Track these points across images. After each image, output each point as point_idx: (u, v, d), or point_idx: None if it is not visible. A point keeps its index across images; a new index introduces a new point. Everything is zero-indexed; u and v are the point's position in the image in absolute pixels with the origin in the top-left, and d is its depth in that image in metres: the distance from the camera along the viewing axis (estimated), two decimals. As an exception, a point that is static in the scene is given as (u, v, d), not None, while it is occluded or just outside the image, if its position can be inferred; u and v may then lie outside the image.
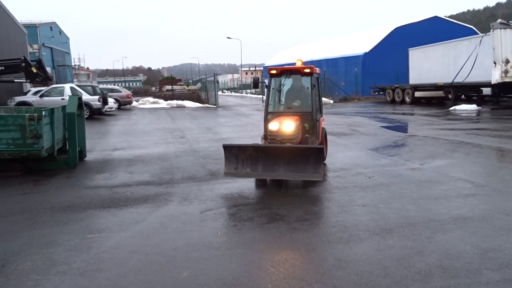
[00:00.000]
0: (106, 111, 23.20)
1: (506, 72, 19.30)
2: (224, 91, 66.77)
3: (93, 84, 31.88)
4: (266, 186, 7.07)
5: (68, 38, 61.74)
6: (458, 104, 21.89)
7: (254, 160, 6.76)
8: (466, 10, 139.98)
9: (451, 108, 21.38)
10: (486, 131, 13.03)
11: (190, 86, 45.38)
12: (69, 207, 6.13)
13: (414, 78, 28.67)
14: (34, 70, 17.04)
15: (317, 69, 8.26)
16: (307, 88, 7.92)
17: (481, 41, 21.49)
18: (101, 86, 30.06)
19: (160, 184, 7.40)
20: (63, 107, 9.47)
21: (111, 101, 24.18)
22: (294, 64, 8.22)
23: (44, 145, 8.20)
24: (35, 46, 44.13)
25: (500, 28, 19.37)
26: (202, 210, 5.86)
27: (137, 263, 4.18)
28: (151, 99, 33.80)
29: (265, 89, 8.17)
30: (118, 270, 4.03)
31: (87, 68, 75.42)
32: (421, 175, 7.60)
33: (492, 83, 19.90)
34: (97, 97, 21.20)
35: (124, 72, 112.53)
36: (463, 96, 25.48)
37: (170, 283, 3.75)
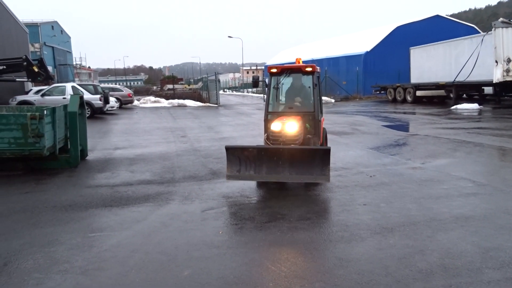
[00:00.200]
0: (107, 110, 23.22)
1: (507, 71, 19.26)
2: (225, 90, 66.80)
3: (94, 83, 31.93)
4: (267, 185, 7.07)
5: (69, 37, 61.82)
6: (460, 103, 21.86)
7: (257, 162, 6.51)
8: (467, 9, 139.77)
9: (452, 107, 21.35)
10: (487, 130, 13.02)
11: (191, 85, 45.38)
12: (70, 206, 6.15)
13: (416, 77, 28.63)
14: (36, 69, 17.03)
15: (318, 68, 8.20)
16: (309, 87, 7.69)
17: (482, 40, 21.45)
18: (102, 85, 30.11)
19: (162, 183, 7.41)
20: (65, 106, 9.48)
21: (112, 100, 24.21)
22: (294, 63, 8.07)
23: (46, 144, 8.21)
24: (37, 45, 44.21)
25: (502, 27, 19.33)
26: (203, 209, 5.87)
27: (138, 262, 4.18)
28: (152, 98, 33.83)
29: (265, 88, 7.98)
30: (119, 269, 4.04)
31: (89, 67, 75.52)
32: (423, 174, 7.59)
33: (494, 82, 19.86)
34: (98, 96, 21.23)
35: (125, 71, 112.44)
36: (464, 95, 25.43)
37: (172, 282, 3.76)
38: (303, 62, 8.12)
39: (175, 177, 7.85)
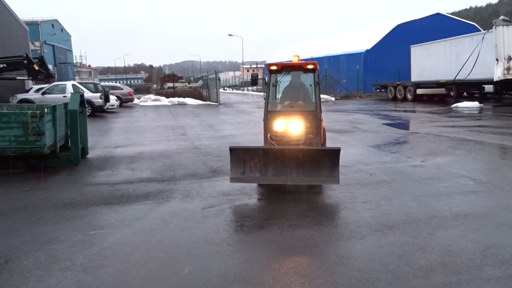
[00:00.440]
0: (107, 108, 23.23)
1: (508, 69, 19.26)
2: (225, 88, 66.79)
3: (94, 81, 31.93)
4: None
5: (69, 36, 61.82)
6: (460, 102, 21.86)
7: (263, 164, 6.20)
8: (468, 7, 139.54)
9: (453, 106, 21.34)
10: (488, 128, 13.02)
11: (191, 83, 45.40)
12: (71, 204, 6.16)
13: (416, 75, 28.63)
14: (36, 68, 17.04)
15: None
16: (310, 85, 7.39)
17: (483, 38, 21.45)
18: (102, 83, 30.12)
19: (162, 181, 7.42)
20: (65, 105, 9.49)
21: (112, 98, 24.22)
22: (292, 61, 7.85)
23: (47, 142, 8.22)
24: (37, 43, 44.20)
25: (503, 25, 19.32)
26: (203, 206, 5.88)
27: (139, 259, 4.20)
28: (152, 96, 33.85)
29: (265, 86, 7.61)
30: (120, 266, 4.05)
31: (89, 65, 75.53)
32: (423, 172, 7.60)
33: (495, 80, 19.86)
34: (99, 94, 21.24)
35: (125, 70, 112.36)
36: (465, 93, 25.42)
37: (172, 279, 3.77)
38: (302, 60, 8.03)
39: (176, 175, 7.85)
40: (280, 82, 7.51)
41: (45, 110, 8.22)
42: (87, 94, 19.12)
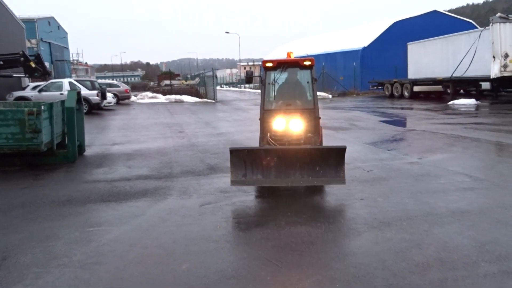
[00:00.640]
0: (104, 106, 23.17)
1: (505, 66, 19.29)
2: (222, 86, 66.71)
3: (91, 79, 31.82)
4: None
5: (66, 33, 61.51)
6: (457, 99, 21.91)
7: (265, 165, 5.94)
8: (465, 4, 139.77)
9: (449, 103, 21.40)
10: (484, 126, 13.06)
11: (188, 81, 45.32)
12: (68, 201, 6.15)
13: (413, 72, 28.66)
14: (33, 65, 17.01)
15: None
16: (307, 82, 7.14)
17: (480, 35, 21.47)
18: (99, 81, 30.00)
19: (159, 178, 7.42)
20: (62, 102, 9.47)
21: (109, 96, 24.15)
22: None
23: (44, 139, 8.20)
24: (33, 41, 43.95)
25: (500, 22, 19.33)
26: (201, 203, 5.89)
27: (137, 256, 4.20)
28: (149, 94, 33.77)
29: (261, 84, 7.22)
30: (118, 263, 4.06)
31: (86, 63, 75.23)
32: (420, 169, 7.62)
33: (491, 77, 19.89)
34: (95, 92, 21.17)
35: (122, 67, 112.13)
36: (462, 90, 25.48)
37: (170, 275, 3.78)
38: (298, 57, 7.96)
39: (173, 172, 7.86)
40: (276, 79, 7.23)
41: (42, 107, 8.20)
42: (84, 91, 19.04)
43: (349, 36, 40.89)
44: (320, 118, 6.93)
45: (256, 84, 42.94)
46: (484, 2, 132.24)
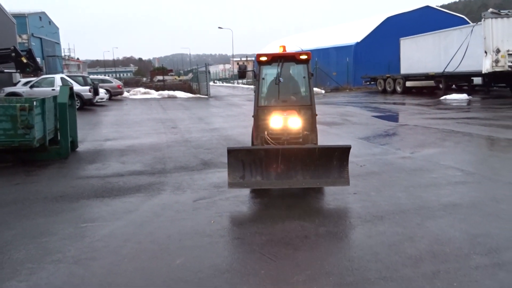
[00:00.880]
0: (97, 101, 23.03)
1: (496, 61, 19.45)
2: (215, 81, 66.55)
3: (83, 74, 31.58)
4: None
5: (57, 28, 60.94)
6: (449, 94, 22.06)
7: (265, 166, 5.60)
8: (457, 0, 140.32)
9: (441, 98, 21.53)
10: (476, 120, 13.17)
11: (181, 76, 45.15)
12: (62, 197, 6.12)
13: (406, 68, 28.77)
14: (24, 60, 16.82)
15: None
16: (304, 77, 6.86)
17: (472, 30, 21.60)
18: (91, 76, 29.82)
19: (153, 174, 7.40)
20: (54, 98, 9.39)
21: (102, 91, 24.00)
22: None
23: (36, 135, 8.14)
24: (24, 36, 43.50)
25: (491, 18, 19.46)
26: (195, 199, 5.89)
27: (131, 251, 4.20)
28: (142, 89, 33.63)
29: (254, 79, 6.92)
30: (112, 258, 4.06)
31: (77, 58, 74.61)
32: (412, 163, 7.68)
33: (483, 72, 20.05)
34: (88, 87, 21.03)
35: (114, 63, 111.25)
36: (454, 85, 25.64)
37: (164, 270, 3.79)
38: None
39: (166, 168, 7.84)
40: (266, 74, 6.96)
41: (34, 103, 8.13)
42: (76, 87, 18.89)
43: (342, 31, 40.93)
44: (317, 115, 6.72)
45: (249, 80, 42.82)
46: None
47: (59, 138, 9.29)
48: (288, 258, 3.96)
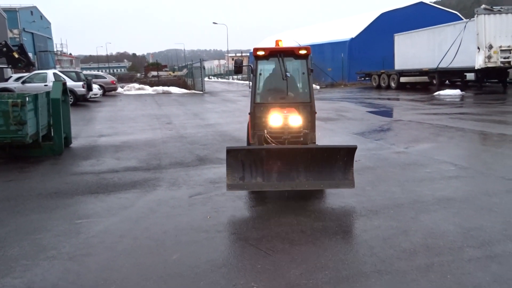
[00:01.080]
0: (90, 97, 22.86)
1: (489, 57, 19.58)
2: (210, 77, 66.34)
3: (76, 70, 31.35)
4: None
5: (49, 23, 60.38)
6: (442, 89, 22.16)
7: (266, 167, 5.30)
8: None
9: (435, 93, 21.64)
10: (469, 116, 13.26)
11: (176, 72, 44.98)
12: (56, 194, 6.09)
13: (400, 63, 28.86)
14: (16, 55, 16.69)
15: None
16: (303, 73, 6.56)
17: (465, 26, 21.70)
18: (85, 72, 29.58)
19: (148, 170, 7.39)
20: (47, 93, 9.32)
21: (95, 87, 23.82)
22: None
23: (29, 131, 8.08)
24: (15, 31, 43.05)
25: (484, 14, 19.58)
26: (190, 194, 5.89)
27: (126, 247, 4.20)
28: (136, 85, 33.40)
29: (251, 75, 6.58)
30: (108, 254, 4.05)
31: (70, 54, 73.98)
32: (406, 158, 7.73)
33: (476, 68, 20.18)
34: (81, 83, 20.86)
35: (108, 58, 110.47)
36: (447, 81, 25.78)
37: (161, 265, 3.79)
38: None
39: (162, 164, 7.83)
40: (263, 70, 6.69)
41: (27, 99, 8.06)
42: (69, 83, 18.75)
43: (337, 27, 40.94)
44: (316, 112, 6.48)
45: (244, 76, 42.72)
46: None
47: (52, 134, 9.23)
48: (284, 252, 3.98)
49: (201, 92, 30.12)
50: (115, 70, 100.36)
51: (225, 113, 16.68)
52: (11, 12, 42.83)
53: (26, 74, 21.20)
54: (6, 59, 17.19)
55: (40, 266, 3.83)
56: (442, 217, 4.74)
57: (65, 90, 9.69)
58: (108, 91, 28.45)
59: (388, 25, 33.55)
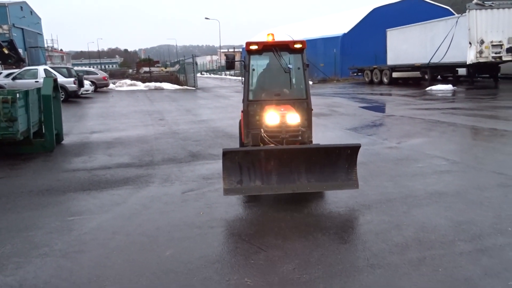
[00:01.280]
0: (82, 93, 22.68)
1: (481, 52, 19.71)
2: (202, 73, 66.12)
3: (68, 66, 31.07)
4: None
5: (39, 19, 59.66)
6: (434, 85, 22.28)
7: (265, 169, 5.00)
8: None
9: (427, 89, 21.74)
10: (461, 111, 13.36)
11: (168, 68, 44.72)
12: (47, 191, 6.05)
13: (392, 59, 28.94)
14: (6, 51, 16.50)
15: None
16: (298, 68, 6.25)
17: (457, 22, 21.79)
18: (76, 68, 29.32)
19: (140, 166, 7.36)
20: (38, 90, 9.23)
21: (87, 83, 23.63)
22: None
23: (20, 128, 8.00)
24: (5, 26, 42.48)
25: (476, 9, 19.67)
26: (183, 190, 5.88)
27: (119, 244, 4.19)
28: (128, 81, 33.23)
29: (244, 71, 6.26)
30: (100, 251, 4.03)
31: (61, 49, 73.24)
32: (398, 153, 7.77)
33: (468, 63, 20.30)
34: (72, 79, 20.70)
35: (99, 54, 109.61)
36: (439, 76, 25.91)
37: (154, 261, 3.78)
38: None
39: (154, 160, 7.80)
40: (256, 65, 6.41)
41: (17, 95, 7.98)
42: (61, 79, 18.57)
43: (330, 22, 40.92)
44: (312, 109, 6.21)
45: (237, 71, 42.58)
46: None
47: (43, 131, 9.15)
48: (277, 247, 3.99)
49: (194, 88, 30.02)
50: (106, 66, 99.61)
51: (218, 109, 16.64)
52: (1, 7, 42.30)
53: (17, 70, 20.96)
54: (-5, 55, 16.98)
55: (33, 264, 3.81)
56: (433, 211, 4.78)
57: (56, 86, 9.61)
58: (99, 87, 28.24)
59: (380, 20, 33.58)
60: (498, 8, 19.75)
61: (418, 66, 24.25)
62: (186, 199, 5.50)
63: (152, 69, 39.80)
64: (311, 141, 6.04)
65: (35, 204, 5.48)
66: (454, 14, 31.04)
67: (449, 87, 21.27)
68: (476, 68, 21.39)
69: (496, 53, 19.85)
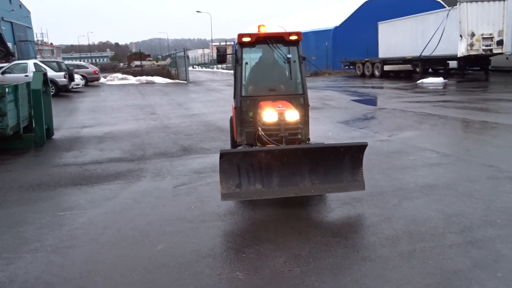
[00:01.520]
0: (72, 88, 22.47)
1: (471, 45, 19.82)
2: (194, 66, 65.81)
3: (58, 60, 30.70)
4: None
5: (29, 12, 58.82)
6: (426, 77, 22.37)
7: (266, 171, 4.66)
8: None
9: (418, 81, 21.84)
10: (451, 103, 13.44)
11: (159, 61, 44.43)
12: (38, 186, 6.01)
13: (384, 52, 28.99)
14: (-6, 45, 16.23)
15: None
16: (294, 61, 5.86)
17: (448, 15, 21.85)
18: (66, 62, 29.01)
19: (132, 161, 7.32)
20: (28, 84, 9.13)
21: (77, 77, 23.41)
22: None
23: (9, 123, 7.91)
24: (-6, 20, 41.83)
25: (467, 2, 19.75)
26: (175, 185, 5.86)
27: (111, 238, 4.17)
28: (119, 75, 32.98)
29: (236, 64, 5.86)
30: (92, 246, 4.02)
31: (51, 43, 72.38)
32: (390, 146, 7.81)
33: (458, 56, 20.41)
34: (62, 73, 20.48)
35: (90, 48, 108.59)
36: (430, 69, 26.03)
37: (145, 256, 3.78)
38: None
39: (146, 154, 7.76)
40: (261, 58, 6.10)
41: (6, 89, 7.88)
42: (51, 73, 18.35)
43: (321, 15, 40.85)
44: (309, 105, 5.96)
45: (229, 65, 42.40)
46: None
47: (34, 125, 9.06)
48: (269, 241, 4.00)
49: (185, 82, 29.87)
50: (97, 60, 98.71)
51: (210, 102, 16.59)
52: (-12, 0, 41.59)
53: (6, 65, 20.71)
54: (-16, 49, 16.72)
55: (23, 259, 3.79)
56: (424, 204, 4.82)
57: (46, 80, 9.51)
58: (90, 81, 27.98)
59: (372, 13, 33.55)
60: (488, 1, 19.84)
61: (409, 59, 24.33)
62: (178, 194, 5.49)
63: (144, 62, 39.53)
64: (309, 139, 5.78)
65: (26, 199, 5.43)
66: (445, 7, 31.13)
67: (440, 80, 21.38)
68: (467, 61, 21.52)
69: (486, 45, 19.97)
